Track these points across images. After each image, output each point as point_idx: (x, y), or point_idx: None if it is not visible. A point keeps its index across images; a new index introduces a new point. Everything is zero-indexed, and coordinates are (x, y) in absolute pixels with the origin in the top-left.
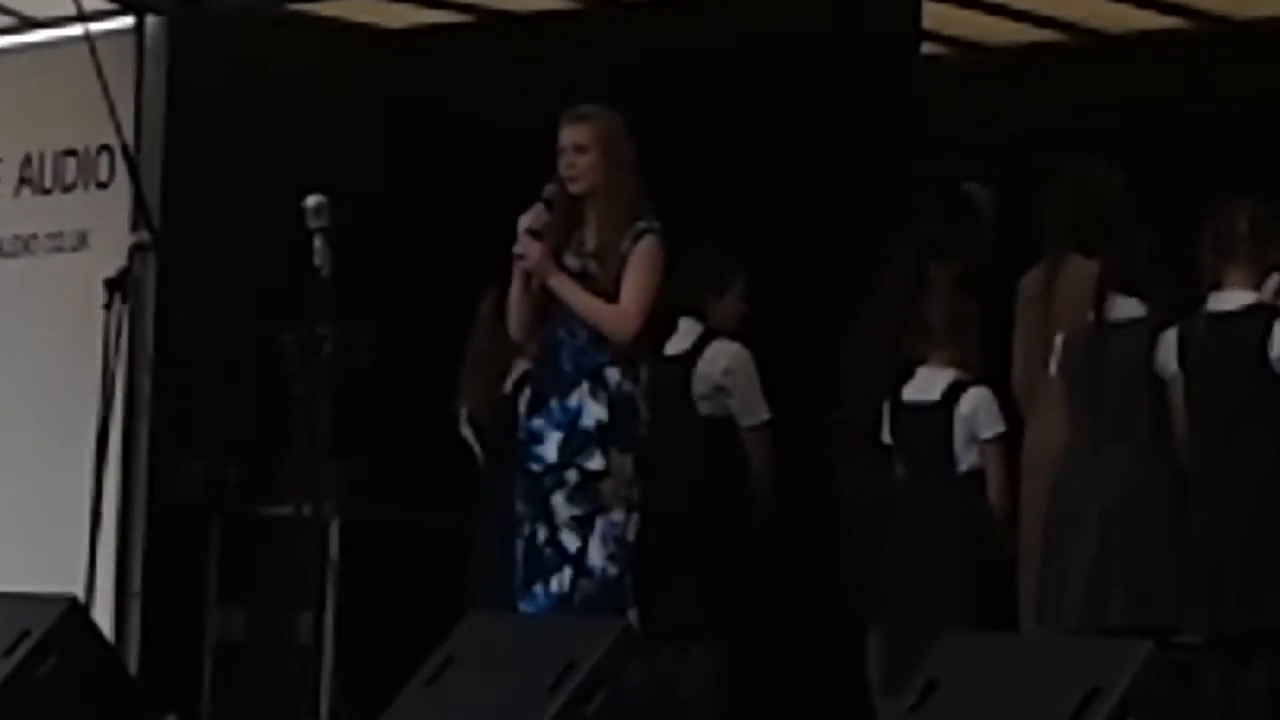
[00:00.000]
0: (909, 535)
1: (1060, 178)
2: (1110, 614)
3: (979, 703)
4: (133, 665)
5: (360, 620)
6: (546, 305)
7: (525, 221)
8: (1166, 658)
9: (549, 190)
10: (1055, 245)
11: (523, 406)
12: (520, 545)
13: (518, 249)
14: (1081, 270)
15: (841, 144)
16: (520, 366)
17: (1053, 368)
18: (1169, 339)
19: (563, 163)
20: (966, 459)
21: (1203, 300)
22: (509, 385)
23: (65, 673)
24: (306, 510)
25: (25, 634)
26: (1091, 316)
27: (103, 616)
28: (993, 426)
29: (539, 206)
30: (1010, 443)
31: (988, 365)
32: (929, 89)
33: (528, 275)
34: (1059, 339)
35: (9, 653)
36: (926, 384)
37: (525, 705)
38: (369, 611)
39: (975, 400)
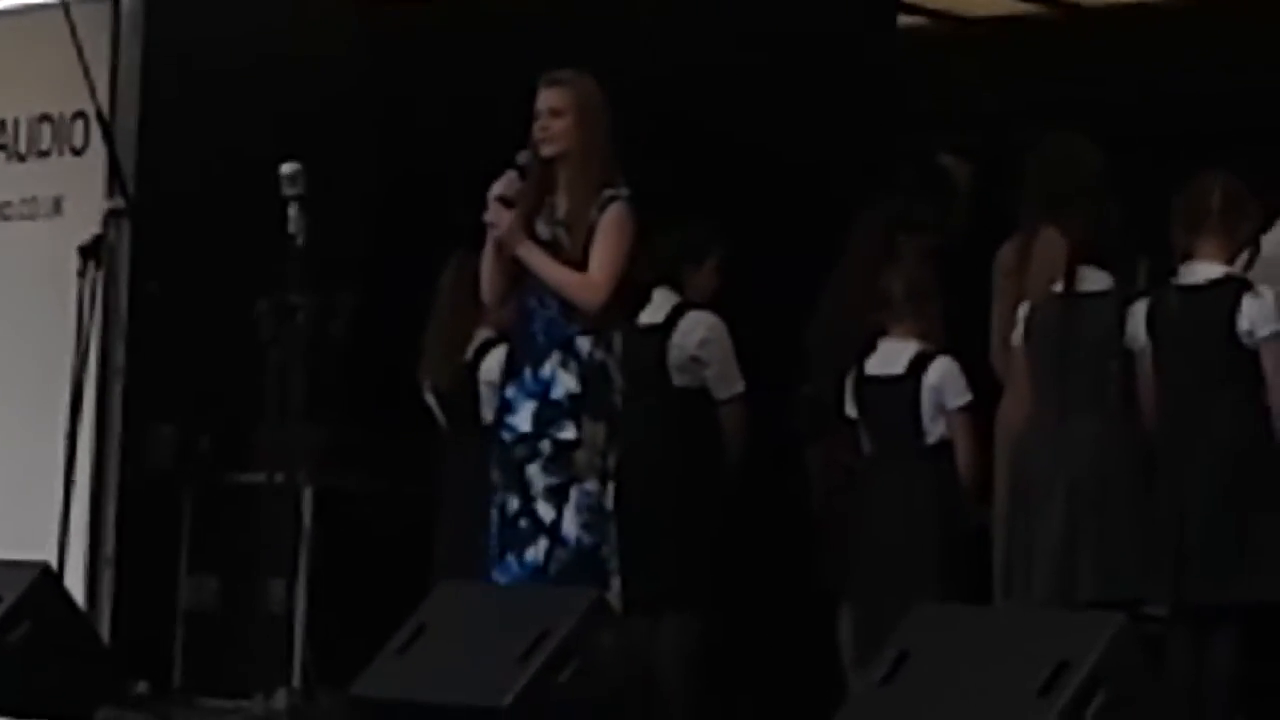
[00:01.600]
0: (878, 508)
1: (1038, 151)
2: (1078, 587)
3: (949, 675)
4: (105, 632)
5: (333, 588)
6: (519, 273)
7: (497, 189)
8: (1136, 631)
9: (522, 157)
10: (1030, 218)
11: (490, 374)
12: (493, 514)
13: (488, 216)
14: (1055, 243)
15: (820, 116)
16: (482, 335)
17: (1015, 339)
18: (1139, 310)
19: (537, 126)
20: (934, 430)
21: (1173, 273)
22: (470, 353)
23: (37, 640)
24: (279, 478)
25: None
26: (1059, 288)
27: (75, 583)
28: (960, 396)
29: (511, 174)
30: (977, 413)
31: (952, 337)
32: (908, 62)
33: (499, 243)
34: (1022, 310)
35: None
36: (890, 357)
37: (497, 674)
38: (342, 579)
39: (941, 370)
